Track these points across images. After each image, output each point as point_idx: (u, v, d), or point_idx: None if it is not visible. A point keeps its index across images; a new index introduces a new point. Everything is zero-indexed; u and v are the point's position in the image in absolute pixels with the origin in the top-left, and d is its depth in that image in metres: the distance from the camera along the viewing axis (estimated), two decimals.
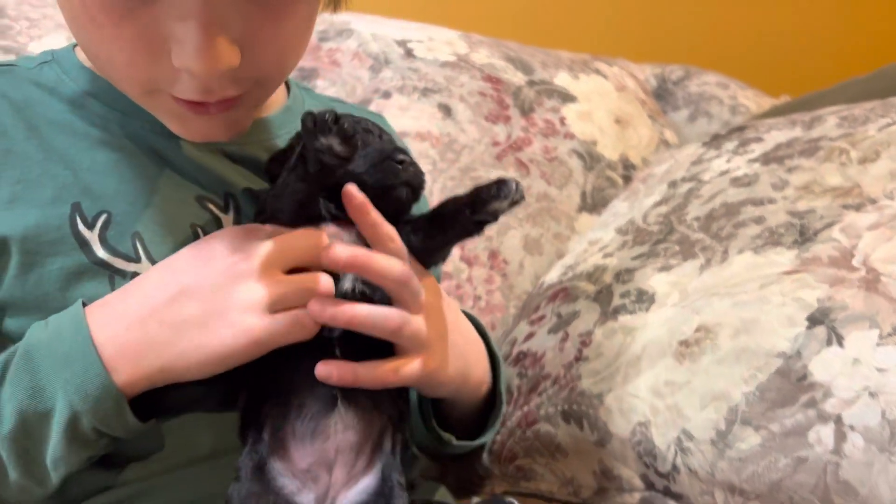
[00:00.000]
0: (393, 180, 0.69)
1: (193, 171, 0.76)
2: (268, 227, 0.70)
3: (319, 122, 0.62)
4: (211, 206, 0.76)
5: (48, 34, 1.32)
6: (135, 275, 0.70)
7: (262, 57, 0.66)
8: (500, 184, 0.68)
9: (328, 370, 0.65)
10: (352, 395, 0.67)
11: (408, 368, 0.69)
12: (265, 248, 0.66)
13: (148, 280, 0.67)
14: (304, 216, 0.70)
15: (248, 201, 0.78)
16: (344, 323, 0.66)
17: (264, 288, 0.65)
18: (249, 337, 0.64)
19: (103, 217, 0.71)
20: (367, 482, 0.66)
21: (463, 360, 0.78)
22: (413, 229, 0.72)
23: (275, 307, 0.65)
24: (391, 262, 0.68)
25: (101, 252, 0.70)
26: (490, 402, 0.88)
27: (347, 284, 0.68)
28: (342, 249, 0.66)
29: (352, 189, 0.67)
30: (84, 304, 0.66)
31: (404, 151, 0.71)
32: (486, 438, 0.88)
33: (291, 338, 0.65)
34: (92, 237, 0.70)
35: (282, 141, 0.82)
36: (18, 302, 0.69)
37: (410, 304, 0.69)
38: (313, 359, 0.66)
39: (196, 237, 0.73)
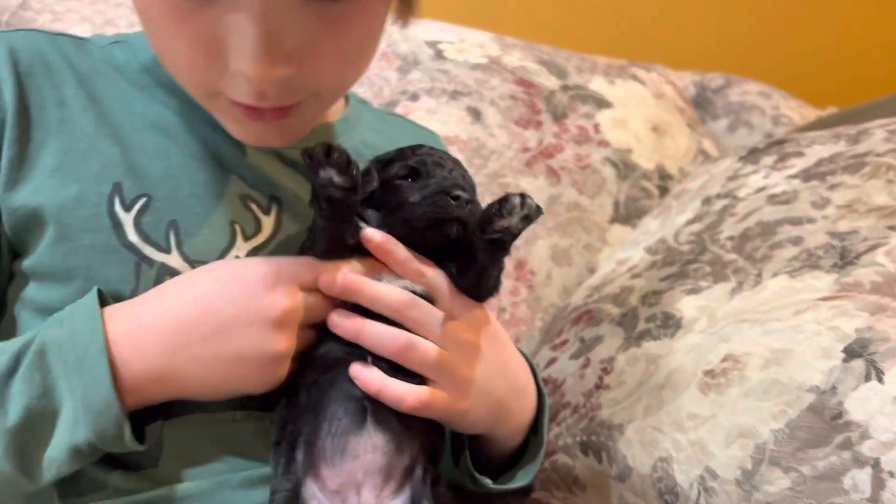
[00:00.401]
0: (443, 215, 0.68)
1: (242, 168, 0.76)
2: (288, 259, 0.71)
3: (314, 156, 0.63)
4: (253, 206, 0.75)
5: (72, 27, 1.32)
6: (162, 266, 0.70)
7: (320, 69, 0.66)
8: (503, 200, 0.66)
9: (358, 370, 0.67)
10: (382, 415, 0.66)
11: (429, 398, 0.67)
12: (285, 274, 0.68)
13: (175, 297, 0.67)
14: (338, 250, 0.70)
15: (291, 207, 0.77)
16: (352, 336, 0.67)
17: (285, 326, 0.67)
18: (276, 377, 0.67)
19: (142, 201, 0.71)
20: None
21: (499, 404, 0.75)
22: (455, 266, 0.72)
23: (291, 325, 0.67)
24: (387, 290, 0.68)
25: (132, 236, 0.70)
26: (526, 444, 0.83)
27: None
28: (338, 276, 0.68)
29: (367, 234, 0.69)
30: (100, 297, 0.66)
31: (465, 188, 0.70)
32: (522, 483, 0.82)
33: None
34: (127, 219, 0.70)
35: None
36: (45, 271, 0.69)
37: (420, 329, 0.68)
38: (343, 365, 0.68)
39: (233, 236, 0.73)
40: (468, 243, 0.70)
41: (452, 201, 0.68)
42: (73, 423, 0.62)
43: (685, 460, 0.76)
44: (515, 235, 0.68)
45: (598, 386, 0.91)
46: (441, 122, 1.42)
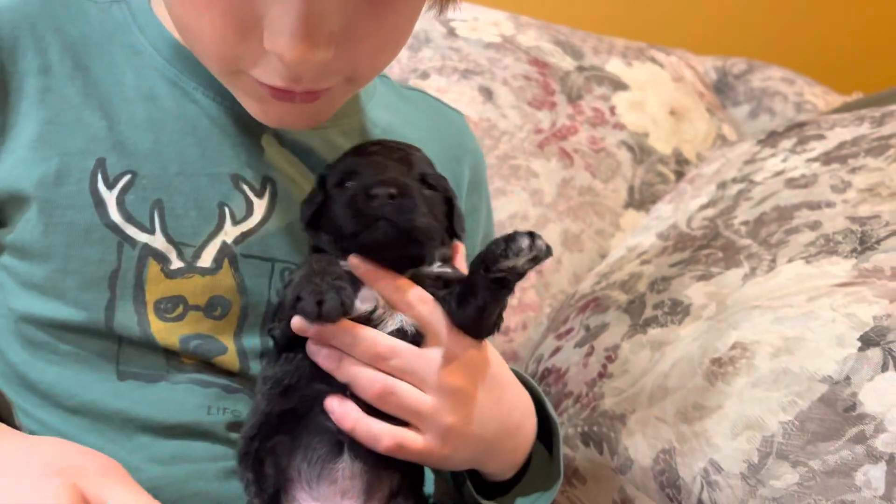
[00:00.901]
0: (363, 218, 0.63)
1: (236, 146, 0.72)
2: None
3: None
4: (245, 188, 0.72)
5: None
6: (145, 247, 0.67)
7: (357, 53, 0.64)
8: (510, 239, 0.59)
9: (333, 404, 0.63)
10: (359, 449, 0.63)
11: (407, 442, 0.63)
12: None
13: None
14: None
15: (286, 191, 0.73)
16: (328, 370, 0.64)
17: None
18: None
19: (126, 178, 0.68)
20: None
21: (487, 445, 0.69)
22: (456, 298, 0.65)
23: None
24: (365, 336, 0.63)
25: (115, 215, 0.67)
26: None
27: (394, 325, 0.65)
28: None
29: (353, 261, 0.65)
30: None
31: (391, 183, 0.64)
32: (544, 499, 0.75)
33: None
34: (109, 198, 0.67)
35: (336, 131, 0.77)
36: (25, 247, 0.67)
37: (402, 375, 0.64)
38: (320, 399, 0.64)
39: (221, 218, 0.70)
40: (470, 276, 0.64)
41: (370, 200, 0.63)
42: None
43: (689, 452, 0.72)
44: (521, 276, 0.62)
45: (602, 375, 0.87)
46: (451, 101, 1.36)
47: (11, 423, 0.63)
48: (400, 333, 0.64)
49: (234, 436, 0.67)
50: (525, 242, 0.59)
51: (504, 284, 0.62)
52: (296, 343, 0.65)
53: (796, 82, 1.80)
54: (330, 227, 0.66)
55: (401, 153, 0.68)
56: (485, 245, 0.80)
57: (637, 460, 0.77)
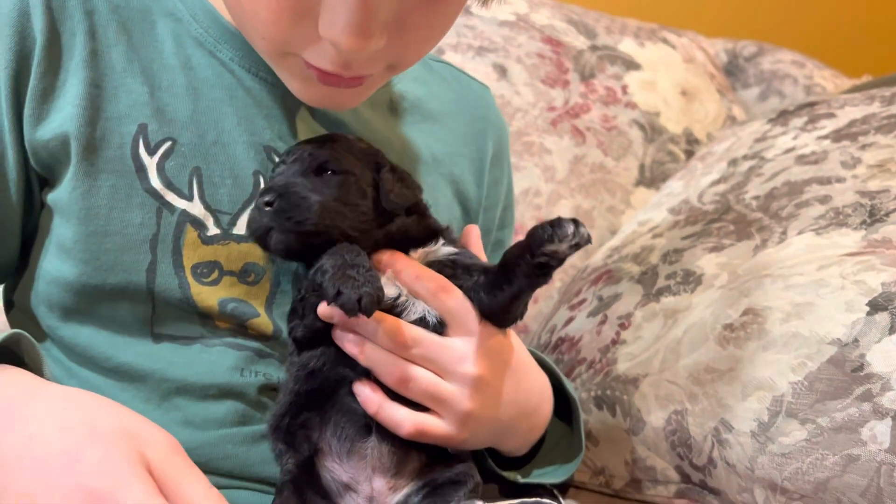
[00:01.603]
0: (260, 234, 0.65)
1: (270, 117, 0.73)
2: None
3: None
4: (277, 159, 0.73)
5: None
6: (183, 213, 0.68)
7: (407, 42, 0.66)
8: (556, 225, 0.61)
9: (361, 388, 0.65)
10: (386, 431, 0.65)
11: (427, 427, 0.65)
12: None
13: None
14: None
15: None
16: (352, 354, 0.65)
17: None
18: None
19: (167, 144, 0.69)
20: (412, 487, 0.65)
21: (504, 427, 0.71)
22: (484, 287, 0.67)
23: None
24: (387, 327, 0.64)
25: (155, 181, 0.68)
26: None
27: (417, 314, 0.67)
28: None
29: (376, 255, 0.67)
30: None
31: (274, 188, 0.65)
32: (554, 480, 0.77)
33: None
34: (150, 163, 0.69)
35: (365, 104, 0.78)
36: (66, 207, 0.68)
37: (422, 363, 0.65)
38: (347, 384, 0.66)
39: (256, 187, 0.71)
40: (508, 262, 0.65)
41: (259, 213, 0.65)
42: None
43: (700, 413, 0.75)
44: (562, 262, 0.63)
45: (615, 341, 0.90)
46: None
47: (41, 375, 0.63)
48: (422, 322, 0.66)
49: (265, 399, 0.69)
50: (570, 228, 0.60)
51: (545, 270, 0.63)
52: (317, 340, 0.66)
53: (806, 65, 1.81)
54: None
55: (299, 153, 0.68)
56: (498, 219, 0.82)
57: (649, 422, 0.79)
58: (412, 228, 0.70)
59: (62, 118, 0.67)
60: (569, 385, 0.80)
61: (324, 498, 0.63)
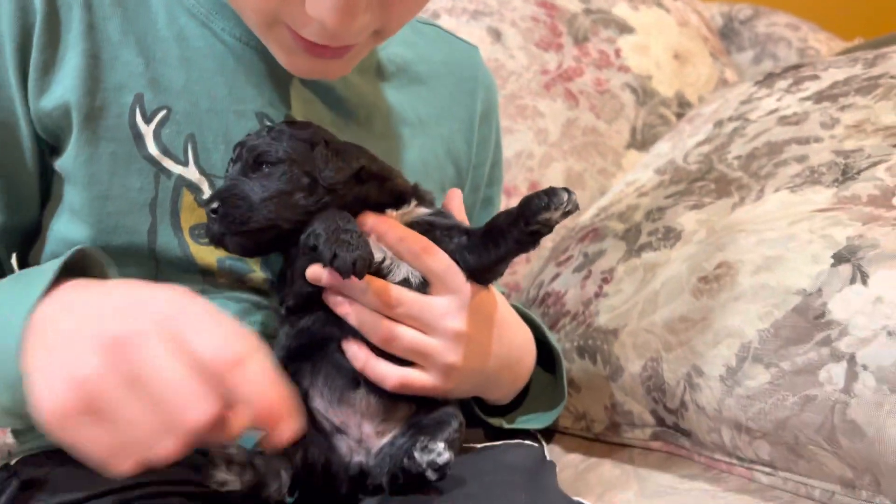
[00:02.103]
0: (218, 241, 0.67)
1: (261, 85, 0.76)
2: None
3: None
4: (268, 124, 0.76)
5: None
6: (179, 177, 0.72)
7: (391, 12, 0.68)
8: (551, 193, 0.64)
9: (348, 346, 0.68)
10: (373, 384, 0.68)
11: (410, 380, 0.68)
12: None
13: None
14: None
15: None
16: (341, 315, 0.68)
17: None
18: None
19: (162, 113, 0.72)
20: (399, 430, 0.69)
21: (487, 379, 0.75)
22: (468, 248, 0.70)
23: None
24: (374, 287, 0.67)
25: (152, 148, 0.72)
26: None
27: (401, 275, 0.70)
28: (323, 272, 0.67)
29: (360, 218, 0.69)
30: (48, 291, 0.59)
31: (212, 199, 0.67)
32: (537, 426, 0.82)
33: None
34: (147, 131, 0.72)
35: (354, 70, 0.79)
36: (71, 173, 0.71)
37: (407, 321, 0.68)
38: (335, 341, 0.69)
39: None
40: (499, 227, 0.67)
41: (211, 222, 0.67)
42: None
43: (674, 360, 0.79)
44: (552, 229, 0.66)
45: (598, 294, 0.93)
46: None
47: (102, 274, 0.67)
48: (406, 283, 0.69)
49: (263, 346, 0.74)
50: (565, 196, 0.63)
51: (535, 237, 0.66)
52: (307, 306, 0.70)
53: (801, 28, 1.82)
54: None
55: (239, 149, 0.70)
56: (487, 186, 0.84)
57: (627, 369, 0.83)
58: (371, 195, 0.71)
59: (63, 89, 0.70)
60: (552, 337, 0.84)
61: (319, 432, 0.67)
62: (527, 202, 0.65)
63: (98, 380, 0.47)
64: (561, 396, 0.82)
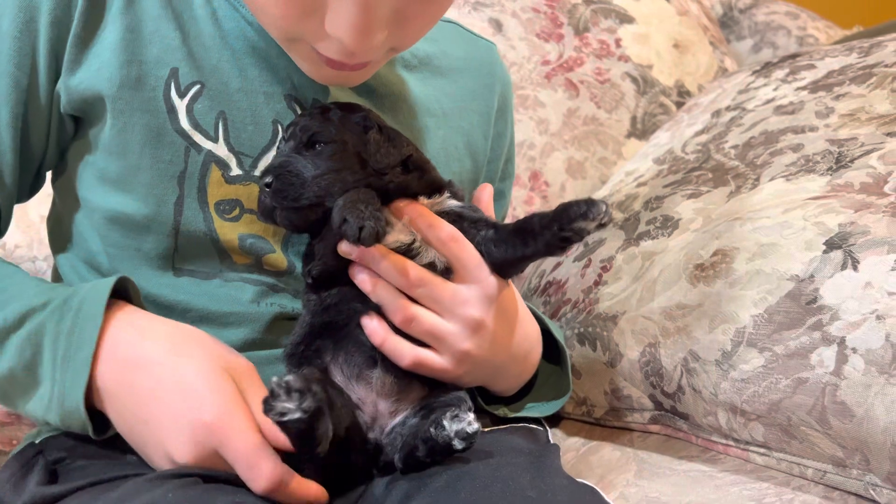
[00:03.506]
0: (270, 214, 0.71)
1: (289, 68, 0.78)
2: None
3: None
4: (297, 107, 0.78)
5: None
6: (209, 153, 0.74)
7: (406, 30, 0.71)
8: (590, 203, 0.66)
9: (369, 321, 0.70)
10: (390, 362, 0.70)
11: (426, 361, 0.71)
12: None
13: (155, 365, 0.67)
14: None
15: None
16: (366, 291, 0.71)
17: None
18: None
19: (196, 88, 0.75)
20: (410, 411, 0.71)
21: (496, 369, 0.77)
22: (494, 241, 0.72)
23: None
24: (398, 266, 0.70)
25: (184, 122, 0.74)
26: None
27: (427, 258, 0.72)
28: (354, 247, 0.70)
29: (395, 205, 0.73)
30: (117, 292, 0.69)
31: (272, 169, 0.70)
32: (541, 414, 0.84)
33: None
34: (180, 105, 0.74)
35: (380, 72, 0.83)
36: (103, 143, 0.74)
37: (427, 303, 0.71)
38: (358, 317, 0.71)
39: (275, 134, 0.77)
40: (532, 227, 0.69)
41: (263, 195, 0.70)
42: (47, 405, 0.67)
43: (671, 345, 0.81)
44: (582, 239, 0.68)
45: (597, 283, 0.96)
46: None
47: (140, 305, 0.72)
48: (431, 266, 0.72)
49: (279, 327, 0.76)
50: (603, 207, 0.66)
51: (566, 244, 0.68)
52: (332, 280, 0.72)
53: (800, 16, 1.84)
54: None
55: (292, 129, 0.73)
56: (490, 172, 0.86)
57: (626, 355, 0.86)
58: (412, 184, 0.74)
59: (99, 63, 0.72)
60: (557, 332, 0.86)
61: (341, 394, 0.69)
62: (565, 209, 0.67)
63: None
64: (567, 388, 0.85)
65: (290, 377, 0.60)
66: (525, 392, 0.84)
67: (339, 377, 0.71)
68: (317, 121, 0.72)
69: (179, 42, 0.75)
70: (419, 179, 0.74)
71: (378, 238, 0.65)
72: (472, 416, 0.64)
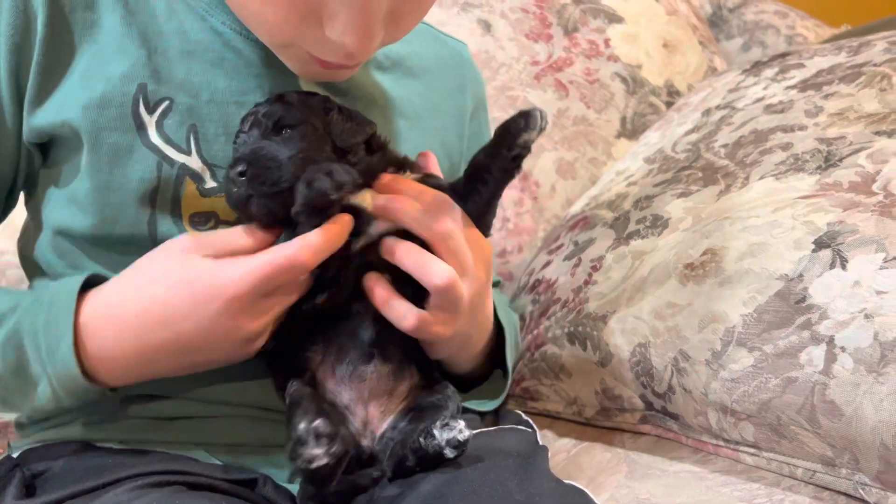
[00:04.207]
0: (244, 202, 0.69)
1: (260, 76, 0.77)
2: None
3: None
4: (276, 94, 0.77)
5: None
6: (182, 166, 0.73)
7: (399, 27, 0.71)
8: (527, 115, 0.67)
9: (375, 282, 0.71)
10: (387, 353, 0.71)
11: (427, 320, 0.71)
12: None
13: (142, 290, 0.69)
14: None
15: None
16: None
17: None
18: (251, 350, 0.70)
19: (165, 104, 0.74)
20: (399, 413, 0.71)
21: (467, 338, 0.80)
22: (461, 197, 0.73)
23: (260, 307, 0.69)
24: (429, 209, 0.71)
25: (155, 138, 0.73)
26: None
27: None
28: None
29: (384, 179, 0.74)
30: (87, 281, 0.69)
31: (242, 156, 0.68)
32: (486, 409, 0.86)
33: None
34: (150, 121, 0.73)
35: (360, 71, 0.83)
36: (73, 163, 0.73)
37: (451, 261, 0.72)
38: (356, 317, 0.72)
39: None
40: (483, 162, 0.71)
41: (236, 185, 0.68)
42: (54, 398, 0.68)
43: (661, 345, 0.81)
44: (530, 150, 0.70)
45: (587, 282, 0.95)
46: (451, 33, 1.42)
47: None
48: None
49: None
50: (538, 114, 0.67)
51: (518, 162, 0.70)
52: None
53: (789, 15, 1.84)
54: None
55: (252, 118, 0.71)
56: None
57: (616, 354, 0.85)
58: (377, 163, 0.74)
59: (63, 94, 0.72)
60: (509, 336, 0.88)
61: (332, 406, 0.69)
62: (504, 129, 0.69)
63: None
64: (501, 389, 0.87)
65: (318, 422, 0.59)
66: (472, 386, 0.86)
67: (330, 380, 0.70)
68: (279, 106, 0.71)
69: (146, 58, 0.74)
70: (381, 159, 0.75)
71: (341, 188, 0.64)
72: (462, 423, 0.64)
